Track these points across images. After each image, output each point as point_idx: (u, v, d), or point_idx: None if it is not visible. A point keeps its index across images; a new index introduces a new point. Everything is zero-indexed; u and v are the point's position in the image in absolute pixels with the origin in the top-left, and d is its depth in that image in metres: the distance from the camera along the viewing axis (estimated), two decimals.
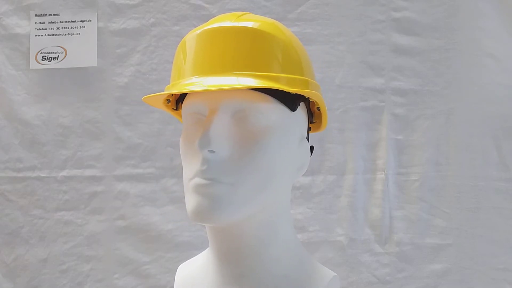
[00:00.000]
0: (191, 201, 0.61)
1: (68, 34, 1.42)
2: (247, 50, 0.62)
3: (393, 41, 1.40)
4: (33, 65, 1.41)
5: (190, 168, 0.61)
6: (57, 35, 1.42)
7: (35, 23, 1.41)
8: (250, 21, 0.64)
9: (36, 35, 1.41)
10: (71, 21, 1.42)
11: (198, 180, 0.60)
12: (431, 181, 1.39)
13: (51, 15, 1.41)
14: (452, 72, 1.38)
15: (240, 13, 0.67)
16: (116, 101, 1.41)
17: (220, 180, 0.59)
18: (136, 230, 1.40)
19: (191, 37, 0.65)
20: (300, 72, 0.66)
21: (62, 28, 1.42)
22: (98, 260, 1.41)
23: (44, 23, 1.41)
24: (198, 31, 0.64)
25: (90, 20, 1.41)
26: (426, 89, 1.39)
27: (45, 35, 1.41)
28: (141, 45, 1.41)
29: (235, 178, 0.60)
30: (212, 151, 0.59)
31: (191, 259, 0.76)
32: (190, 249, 1.36)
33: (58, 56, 1.41)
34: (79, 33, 1.41)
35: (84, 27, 1.41)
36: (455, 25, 1.38)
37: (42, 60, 1.41)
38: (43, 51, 1.41)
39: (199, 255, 0.76)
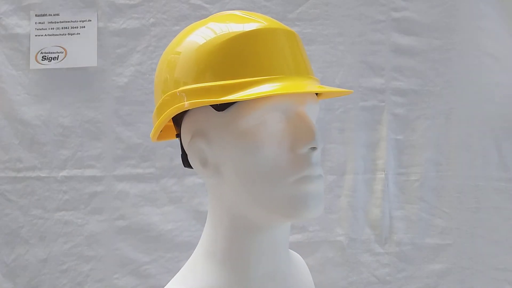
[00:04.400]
0: (302, 203, 0.60)
1: (68, 34, 1.42)
2: (305, 54, 0.66)
3: (393, 41, 1.40)
4: (33, 65, 1.41)
5: (285, 168, 0.60)
6: (57, 35, 1.42)
7: (35, 23, 1.41)
8: None
9: (36, 35, 1.41)
10: (71, 21, 1.41)
11: (307, 178, 0.60)
12: (431, 181, 1.39)
13: (51, 15, 1.41)
14: (452, 72, 1.39)
15: None
16: (116, 101, 1.41)
17: (322, 175, 0.62)
18: (136, 230, 1.40)
19: (259, 33, 0.62)
20: None
21: (62, 28, 1.42)
22: (98, 260, 1.41)
23: (44, 23, 1.41)
24: (260, 26, 0.62)
25: (90, 20, 1.41)
26: (426, 89, 1.39)
27: (45, 35, 1.41)
28: (141, 45, 1.41)
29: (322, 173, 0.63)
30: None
31: (178, 280, 0.70)
32: (190, 249, 1.35)
33: (58, 56, 1.41)
34: (79, 33, 1.41)
35: (84, 27, 1.41)
36: (455, 25, 1.38)
37: (42, 60, 1.41)
38: (43, 51, 1.41)
39: (181, 276, 0.70)
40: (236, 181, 0.62)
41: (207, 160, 0.62)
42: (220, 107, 0.61)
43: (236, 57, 0.60)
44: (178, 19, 1.40)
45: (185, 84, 0.61)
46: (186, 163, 0.67)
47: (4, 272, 1.41)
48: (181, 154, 0.66)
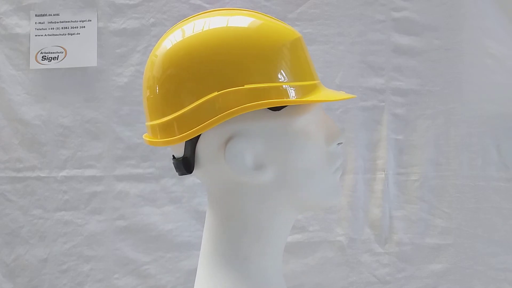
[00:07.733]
0: (336, 191, 0.69)
1: (68, 34, 1.42)
2: None
3: (393, 41, 1.40)
4: (33, 65, 1.41)
5: (326, 161, 0.66)
6: (57, 35, 1.42)
7: (35, 23, 1.41)
8: None
9: (36, 35, 1.41)
10: (71, 21, 1.42)
11: (339, 169, 0.68)
12: (431, 181, 1.39)
13: (51, 15, 1.41)
14: (452, 72, 1.39)
15: None
16: (116, 101, 1.41)
17: None
18: (136, 230, 1.41)
19: (297, 39, 0.65)
20: None
21: (62, 28, 1.42)
22: (98, 260, 1.41)
23: (44, 23, 1.41)
24: (297, 35, 0.65)
25: (90, 20, 1.41)
26: (426, 89, 1.39)
27: (45, 35, 1.41)
28: (141, 45, 1.41)
29: None
30: None
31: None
32: (190, 249, 1.36)
33: (58, 56, 1.41)
34: (79, 33, 1.41)
35: (84, 27, 1.41)
36: (455, 25, 1.38)
37: (42, 60, 1.41)
38: (43, 51, 1.41)
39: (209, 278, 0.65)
40: (288, 178, 0.63)
41: (252, 161, 0.60)
42: (277, 107, 0.62)
43: (298, 59, 0.65)
44: (178, 19, 1.38)
45: (252, 82, 0.59)
46: (180, 169, 0.63)
47: (4, 272, 1.41)
48: (183, 158, 0.63)
